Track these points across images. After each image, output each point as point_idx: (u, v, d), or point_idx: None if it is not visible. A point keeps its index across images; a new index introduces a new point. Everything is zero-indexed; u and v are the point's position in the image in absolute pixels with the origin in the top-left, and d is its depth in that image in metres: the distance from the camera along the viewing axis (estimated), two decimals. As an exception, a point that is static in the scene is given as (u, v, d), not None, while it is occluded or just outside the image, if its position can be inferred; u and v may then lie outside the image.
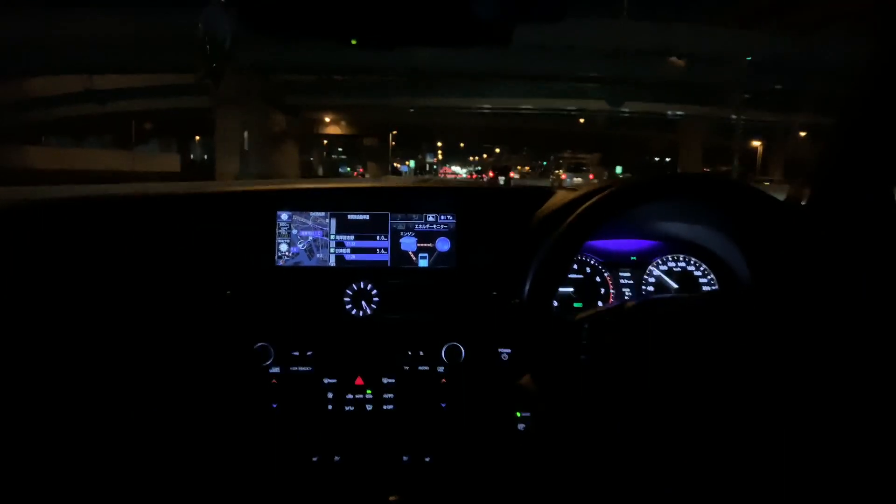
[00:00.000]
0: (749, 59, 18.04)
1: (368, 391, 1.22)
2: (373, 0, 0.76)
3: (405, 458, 1.21)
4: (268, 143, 27.40)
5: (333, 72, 23.22)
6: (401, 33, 0.84)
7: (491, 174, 27.72)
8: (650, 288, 1.32)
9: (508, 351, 1.20)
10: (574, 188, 1.18)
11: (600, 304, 1.31)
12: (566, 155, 30.81)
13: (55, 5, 16.30)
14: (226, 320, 1.22)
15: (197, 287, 1.23)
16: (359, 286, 1.24)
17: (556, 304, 1.30)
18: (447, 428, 1.22)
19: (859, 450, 0.88)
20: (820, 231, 0.92)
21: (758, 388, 0.84)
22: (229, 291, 1.22)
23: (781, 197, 1.04)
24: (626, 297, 1.32)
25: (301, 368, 1.21)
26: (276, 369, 1.21)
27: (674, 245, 1.32)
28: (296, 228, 1.27)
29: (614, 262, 1.32)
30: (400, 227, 1.29)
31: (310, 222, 1.28)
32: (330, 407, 1.21)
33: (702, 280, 1.31)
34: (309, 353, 1.22)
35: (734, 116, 23.81)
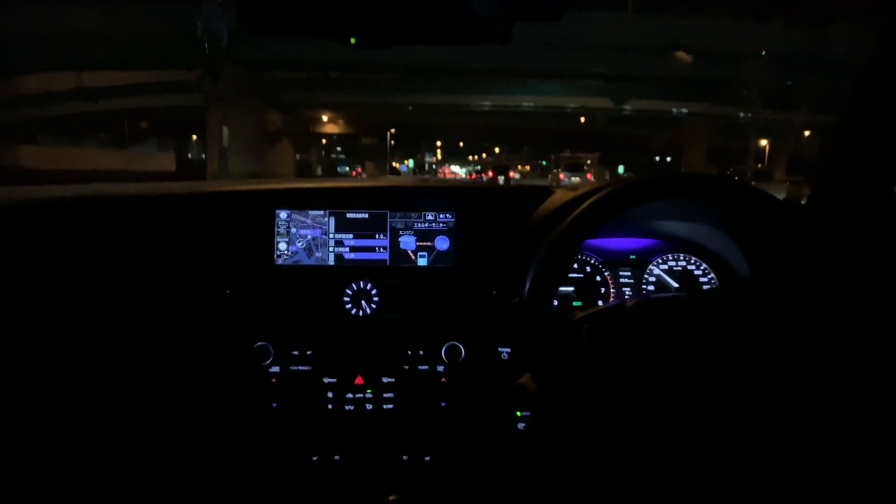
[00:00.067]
0: (763, 53, 17.70)
1: (368, 390, 1.22)
2: None
3: (405, 458, 1.21)
4: (261, 140, 26.78)
5: (329, 68, 23.05)
6: (400, 32, 0.84)
7: (490, 174, 27.66)
8: (650, 287, 1.32)
9: (508, 350, 1.20)
10: (573, 187, 1.17)
11: (600, 303, 1.30)
12: (566, 154, 30.75)
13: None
14: (225, 319, 1.22)
15: (196, 286, 1.22)
16: (358, 285, 1.24)
17: (556, 303, 1.30)
18: (447, 427, 1.22)
19: (859, 450, 0.88)
20: (820, 230, 0.92)
21: (758, 387, 0.84)
22: (228, 291, 1.22)
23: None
24: (625, 297, 1.32)
25: (301, 368, 1.21)
26: (275, 369, 1.21)
27: (674, 244, 1.32)
28: (295, 227, 1.27)
29: (614, 262, 1.32)
30: (399, 225, 1.29)
31: (309, 221, 1.27)
32: (330, 406, 1.21)
33: (702, 279, 1.30)
34: (308, 353, 1.21)
35: (742, 114, 23.45)
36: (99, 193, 1.31)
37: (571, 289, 1.31)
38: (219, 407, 1.22)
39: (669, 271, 1.32)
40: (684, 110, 27.39)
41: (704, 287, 1.30)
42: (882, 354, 0.85)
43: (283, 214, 1.27)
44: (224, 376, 1.22)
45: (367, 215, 1.29)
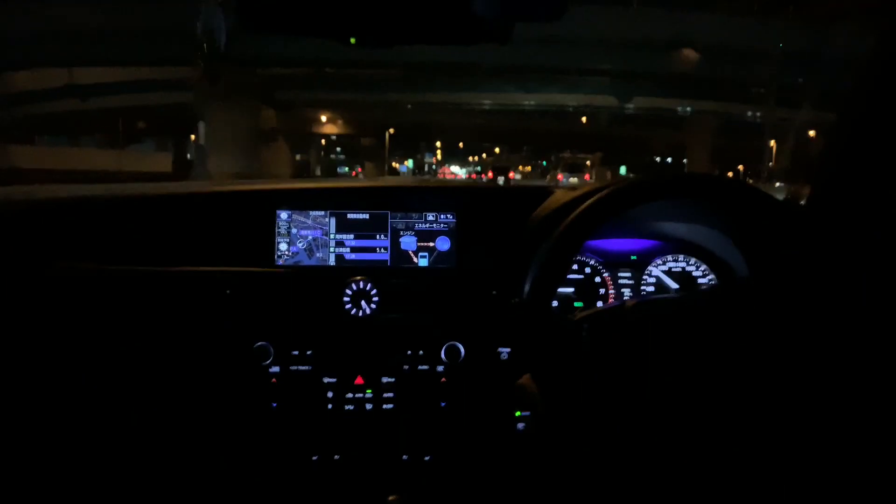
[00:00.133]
0: (780, 46, 17.33)
1: (368, 390, 1.22)
2: None
3: (405, 458, 1.21)
4: (254, 139, 26.15)
5: (326, 66, 22.85)
6: (399, 32, 0.84)
7: (490, 174, 27.59)
8: (650, 288, 1.32)
9: (508, 350, 1.20)
10: (572, 188, 1.17)
11: (600, 303, 1.31)
12: (566, 155, 30.70)
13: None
14: (225, 319, 1.22)
15: (196, 286, 1.22)
16: (358, 285, 1.24)
17: (556, 303, 1.30)
18: (447, 427, 1.22)
19: (859, 450, 0.88)
20: (820, 230, 0.92)
21: (758, 387, 0.84)
22: (229, 290, 1.21)
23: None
24: (625, 297, 1.32)
25: (301, 368, 1.21)
26: (275, 368, 1.21)
27: (674, 245, 1.32)
28: (295, 227, 1.27)
29: (614, 262, 1.32)
30: (400, 226, 1.28)
31: (309, 221, 1.27)
32: (330, 406, 1.21)
33: (701, 280, 1.31)
34: (308, 353, 1.21)
35: (750, 113, 23.12)
36: (99, 194, 1.31)
37: (571, 289, 1.31)
38: (219, 407, 1.22)
39: (669, 272, 1.32)
40: (689, 109, 27.01)
41: (704, 288, 1.30)
42: (882, 355, 0.85)
43: (283, 215, 1.27)
44: (224, 376, 1.22)
45: (367, 216, 1.28)
